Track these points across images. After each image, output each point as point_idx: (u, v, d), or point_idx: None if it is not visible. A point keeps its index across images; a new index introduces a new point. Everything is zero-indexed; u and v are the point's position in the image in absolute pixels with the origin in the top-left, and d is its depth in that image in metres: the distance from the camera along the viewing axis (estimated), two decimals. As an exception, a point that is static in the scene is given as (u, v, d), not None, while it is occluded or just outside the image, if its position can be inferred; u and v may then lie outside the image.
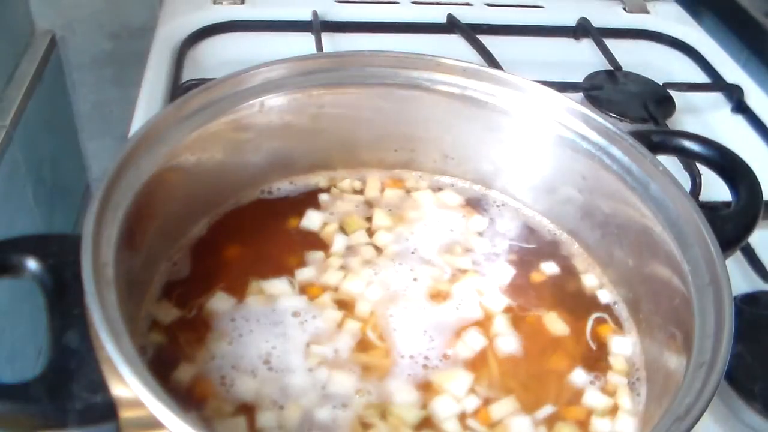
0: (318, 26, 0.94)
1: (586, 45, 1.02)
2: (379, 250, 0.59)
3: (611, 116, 0.84)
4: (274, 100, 0.58)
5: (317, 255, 0.58)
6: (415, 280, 0.57)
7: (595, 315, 0.56)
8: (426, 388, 0.50)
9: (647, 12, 1.09)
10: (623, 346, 0.54)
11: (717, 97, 0.95)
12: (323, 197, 0.62)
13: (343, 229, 0.60)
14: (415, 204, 0.63)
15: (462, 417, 0.48)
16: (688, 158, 0.72)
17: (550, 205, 0.62)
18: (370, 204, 0.63)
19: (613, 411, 0.50)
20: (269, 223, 0.60)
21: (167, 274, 0.55)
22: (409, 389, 0.49)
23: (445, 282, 0.57)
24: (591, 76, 0.92)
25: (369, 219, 0.61)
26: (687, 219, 0.50)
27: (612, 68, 0.94)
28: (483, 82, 0.60)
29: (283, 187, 0.63)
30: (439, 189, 0.65)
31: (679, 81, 0.94)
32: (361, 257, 0.58)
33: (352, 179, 0.64)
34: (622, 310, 0.56)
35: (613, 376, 0.52)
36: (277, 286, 0.55)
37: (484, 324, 0.54)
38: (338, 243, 0.59)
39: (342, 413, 0.47)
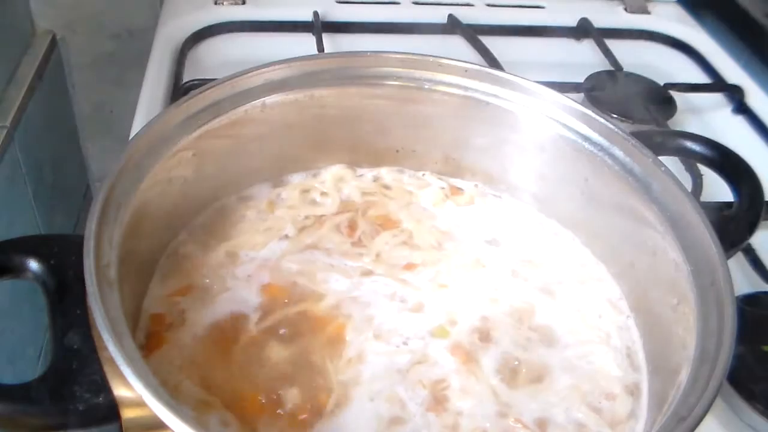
0: (319, 27, 0.94)
1: (587, 45, 1.02)
2: (376, 248, 0.59)
3: (612, 117, 0.84)
4: (276, 101, 0.58)
5: (314, 254, 0.58)
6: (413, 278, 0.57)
7: (597, 312, 0.56)
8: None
9: (648, 12, 1.09)
10: (625, 344, 0.54)
11: (718, 97, 0.95)
12: (321, 196, 0.63)
13: (340, 229, 0.60)
14: (416, 204, 0.63)
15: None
16: (689, 159, 0.72)
17: (552, 205, 0.62)
18: (370, 204, 0.63)
19: (615, 410, 0.50)
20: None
21: (168, 271, 0.55)
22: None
23: (452, 274, 0.57)
24: (592, 77, 0.92)
25: (368, 218, 0.61)
26: (689, 219, 0.50)
27: (613, 69, 0.94)
28: (484, 83, 0.60)
29: (283, 185, 0.63)
30: (441, 188, 0.65)
31: (680, 82, 0.94)
32: (358, 256, 0.58)
33: (353, 179, 0.64)
34: (623, 308, 0.56)
35: (615, 374, 0.52)
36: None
37: (490, 319, 0.54)
38: (335, 241, 0.59)
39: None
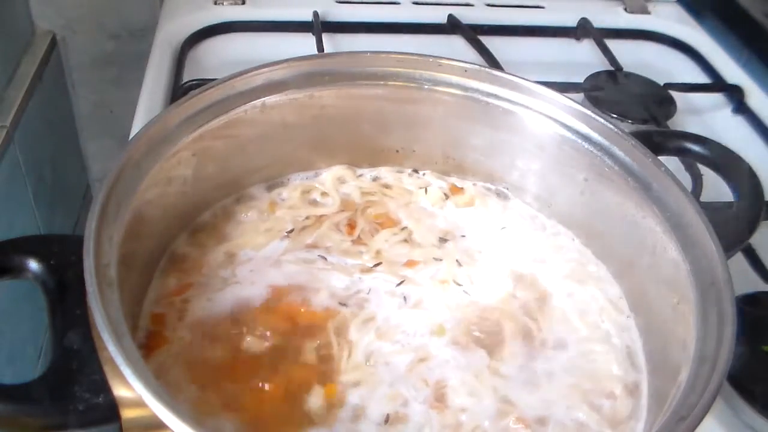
0: (319, 27, 0.94)
1: (587, 45, 1.02)
2: (376, 246, 0.59)
3: (612, 117, 0.84)
4: (276, 101, 0.58)
5: (314, 253, 0.58)
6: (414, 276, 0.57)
7: (597, 312, 0.56)
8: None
9: (648, 12, 1.09)
10: (625, 344, 0.54)
11: (718, 97, 0.95)
12: (321, 196, 0.63)
13: (339, 227, 0.60)
14: (416, 203, 0.63)
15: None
16: (689, 159, 0.72)
17: (552, 205, 0.62)
18: (369, 203, 0.63)
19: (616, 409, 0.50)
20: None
21: (169, 271, 0.55)
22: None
23: (452, 272, 0.57)
24: (592, 77, 0.92)
25: (367, 217, 0.61)
26: (689, 219, 0.50)
27: (613, 69, 0.94)
28: (484, 83, 0.60)
29: (284, 185, 0.63)
30: (441, 188, 0.65)
31: (679, 82, 0.94)
32: (358, 254, 0.58)
33: (352, 179, 0.64)
34: (623, 308, 0.56)
35: (615, 373, 0.52)
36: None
37: (489, 318, 0.54)
38: (335, 240, 0.59)
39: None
